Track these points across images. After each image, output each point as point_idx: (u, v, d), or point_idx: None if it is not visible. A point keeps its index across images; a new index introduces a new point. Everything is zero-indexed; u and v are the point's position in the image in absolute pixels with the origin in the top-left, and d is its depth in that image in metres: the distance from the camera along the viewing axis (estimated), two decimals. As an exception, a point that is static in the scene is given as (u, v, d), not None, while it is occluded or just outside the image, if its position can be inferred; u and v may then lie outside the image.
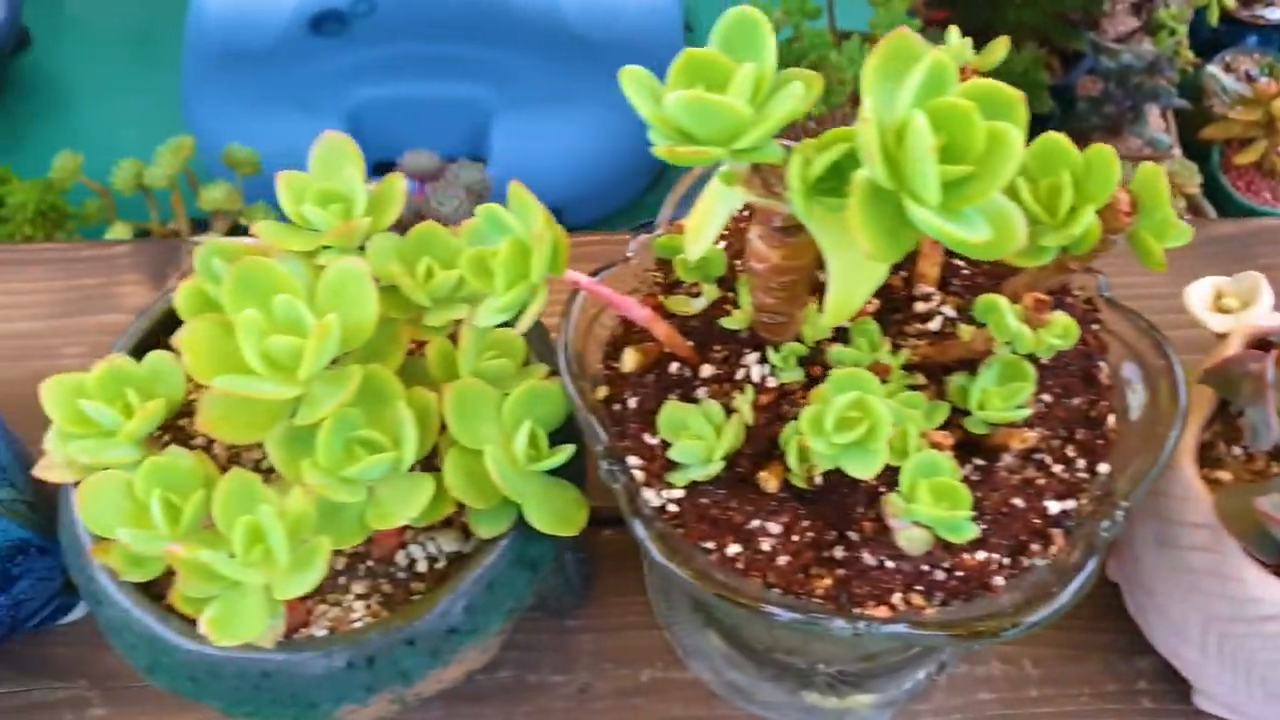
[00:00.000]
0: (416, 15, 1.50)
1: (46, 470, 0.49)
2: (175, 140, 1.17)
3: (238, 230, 1.23)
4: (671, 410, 0.45)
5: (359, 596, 0.48)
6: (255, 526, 0.42)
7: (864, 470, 0.39)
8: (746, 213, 0.51)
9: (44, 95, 1.72)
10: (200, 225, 1.27)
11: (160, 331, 0.54)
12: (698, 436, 0.44)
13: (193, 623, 0.46)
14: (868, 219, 0.35)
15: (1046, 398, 0.47)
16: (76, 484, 0.49)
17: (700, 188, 0.52)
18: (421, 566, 0.49)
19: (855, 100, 1.28)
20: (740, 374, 0.46)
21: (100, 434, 0.48)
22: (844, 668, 0.56)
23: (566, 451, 0.46)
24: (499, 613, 0.48)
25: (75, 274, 0.74)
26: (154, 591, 0.47)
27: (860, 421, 0.38)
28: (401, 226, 1.12)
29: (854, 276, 0.39)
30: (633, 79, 0.37)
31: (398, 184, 0.50)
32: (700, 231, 0.42)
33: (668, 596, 0.62)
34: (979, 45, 0.53)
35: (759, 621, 0.51)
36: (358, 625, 0.47)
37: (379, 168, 1.47)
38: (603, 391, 0.47)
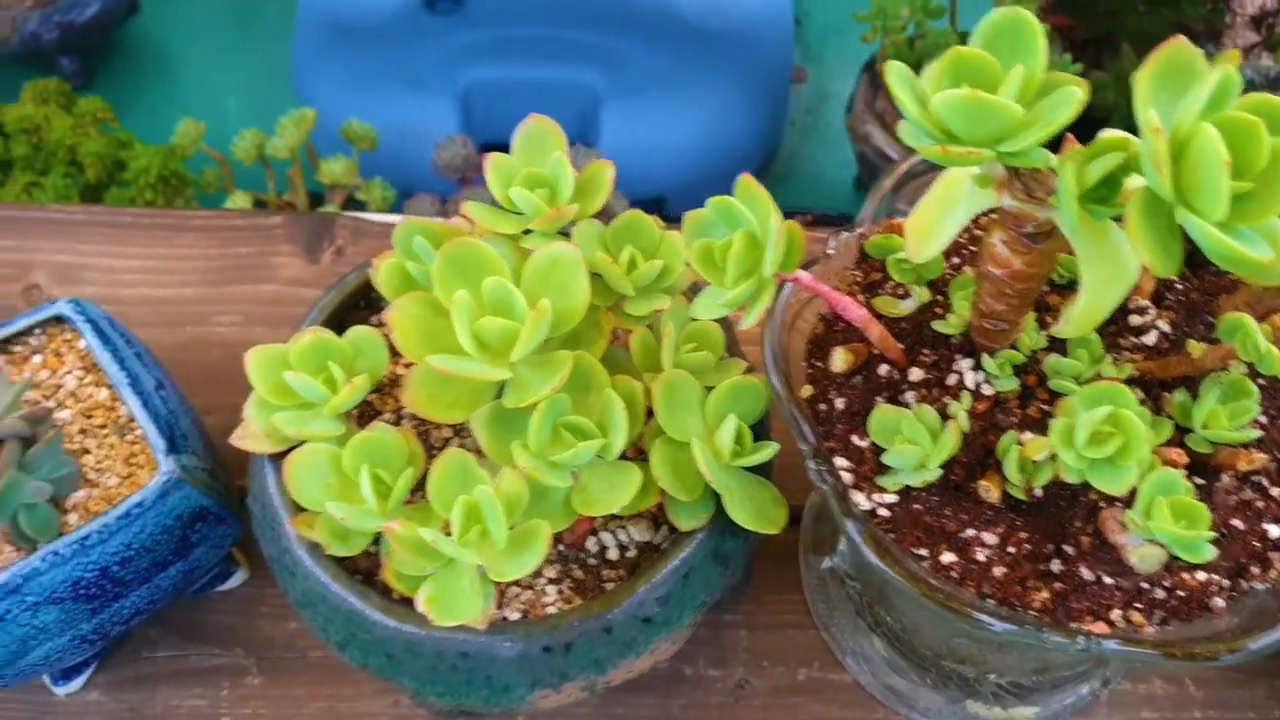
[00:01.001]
0: (529, -2, 1.50)
1: (243, 439, 0.49)
2: (297, 112, 1.18)
3: (352, 204, 1.23)
4: (884, 414, 0.44)
5: (551, 581, 0.48)
6: (474, 506, 0.42)
7: (1114, 486, 0.38)
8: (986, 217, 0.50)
9: (150, 62, 1.73)
10: (314, 198, 1.28)
11: (351, 305, 0.54)
12: (913, 442, 0.43)
13: (394, 601, 0.46)
14: (1145, 230, 0.34)
15: (1263, 419, 0.46)
16: (271, 455, 0.49)
17: (902, 189, 0.52)
18: (613, 554, 0.49)
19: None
20: (952, 380, 0.46)
21: (302, 406, 0.48)
22: (1015, 679, 0.55)
23: (771, 449, 0.46)
24: (692, 606, 0.48)
25: (229, 242, 0.75)
26: (349, 567, 0.47)
27: (1113, 437, 0.38)
28: None
29: (1106, 288, 0.38)
30: (899, 76, 0.36)
31: (605, 171, 0.50)
32: (931, 233, 0.41)
33: (826, 597, 0.61)
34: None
35: (950, 629, 0.50)
36: (550, 610, 0.47)
37: (485, 148, 1.47)
38: (807, 390, 0.47)
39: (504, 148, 0.52)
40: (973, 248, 0.50)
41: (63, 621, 0.52)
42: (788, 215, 0.41)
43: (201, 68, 1.73)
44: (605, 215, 0.52)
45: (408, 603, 0.46)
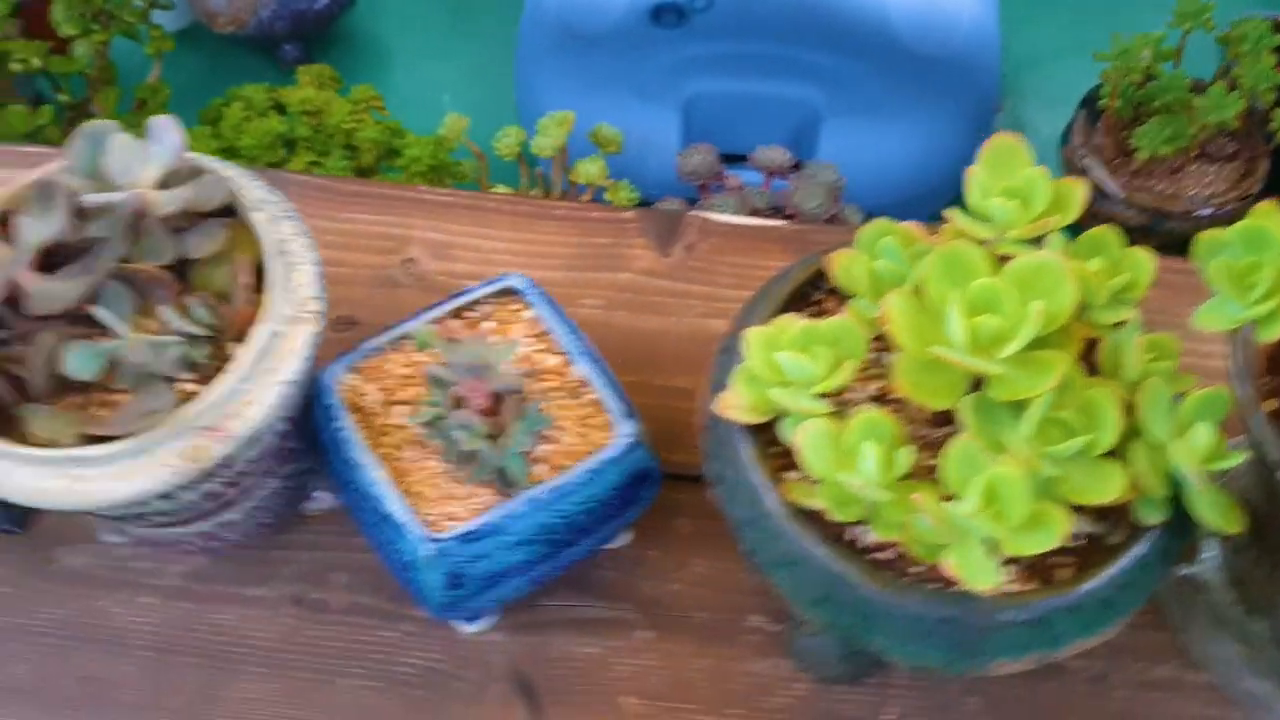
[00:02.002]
0: (752, 15, 1.55)
1: (726, 409, 0.54)
2: (559, 114, 1.24)
3: (599, 202, 1.29)
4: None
5: (1008, 560, 0.52)
6: (992, 485, 0.47)
7: None
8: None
9: (366, 53, 1.81)
10: (546, 194, 1.33)
11: (797, 295, 0.59)
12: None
13: (876, 566, 0.50)
14: None
15: None
16: (745, 426, 0.54)
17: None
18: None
19: (1203, 145, 1.29)
20: None
21: (791, 383, 0.52)
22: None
23: (1238, 456, 0.50)
24: (1140, 595, 0.52)
25: (588, 232, 0.80)
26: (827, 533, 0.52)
27: None
28: (760, 216, 1.16)
29: None
30: None
31: (1078, 190, 0.54)
32: None
33: (1182, 602, 0.65)
34: None
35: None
36: (1010, 588, 0.51)
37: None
38: (1271, 404, 0.51)
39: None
40: None
41: (528, 562, 0.57)
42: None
43: (415, 62, 1.80)
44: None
45: (887, 567, 0.50)
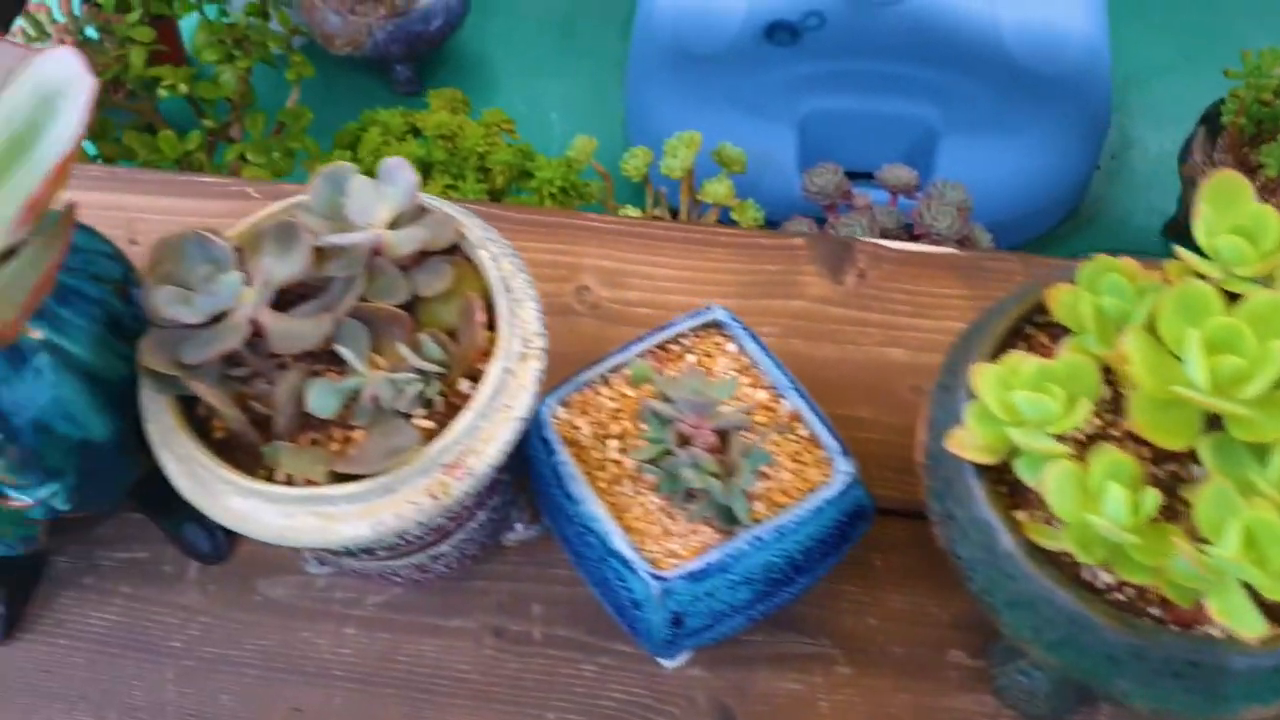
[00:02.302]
0: (864, 33, 1.55)
1: (958, 447, 0.54)
2: (686, 134, 1.24)
3: (726, 221, 1.30)
4: None
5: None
6: (1251, 530, 0.46)
7: None
8: None
9: (473, 73, 1.83)
10: (676, 214, 1.34)
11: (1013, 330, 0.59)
12: None
13: (1119, 608, 0.50)
14: None
15: None
16: (977, 465, 0.54)
17: None
18: None
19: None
20: None
21: (1026, 423, 0.52)
22: None
23: None
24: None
25: (758, 259, 0.80)
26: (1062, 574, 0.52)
27: None
28: (890, 235, 1.15)
29: None
30: None
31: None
32: None
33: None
34: None
35: None
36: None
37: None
38: None
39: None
40: None
41: (748, 601, 0.57)
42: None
43: (522, 81, 1.81)
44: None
45: (1126, 609, 0.50)
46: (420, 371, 0.55)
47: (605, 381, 0.62)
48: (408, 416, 0.55)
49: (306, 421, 0.55)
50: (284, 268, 0.54)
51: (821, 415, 0.60)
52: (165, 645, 0.67)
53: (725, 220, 1.29)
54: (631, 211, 1.24)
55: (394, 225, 0.57)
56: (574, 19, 1.88)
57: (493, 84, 1.81)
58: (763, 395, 0.61)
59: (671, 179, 1.22)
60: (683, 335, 0.63)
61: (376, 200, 0.56)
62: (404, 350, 0.55)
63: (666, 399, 0.57)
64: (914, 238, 1.27)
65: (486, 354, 0.56)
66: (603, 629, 0.67)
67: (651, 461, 0.56)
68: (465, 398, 0.56)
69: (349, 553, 0.60)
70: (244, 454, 0.54)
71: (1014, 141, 1.51)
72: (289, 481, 0.53)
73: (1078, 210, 1.64)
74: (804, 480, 0.59)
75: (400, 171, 0.56)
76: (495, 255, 0.58)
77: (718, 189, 1.24)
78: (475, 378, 0.56)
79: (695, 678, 0.65)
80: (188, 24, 1.59)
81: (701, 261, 0.81)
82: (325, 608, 0.68)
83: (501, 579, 0.68)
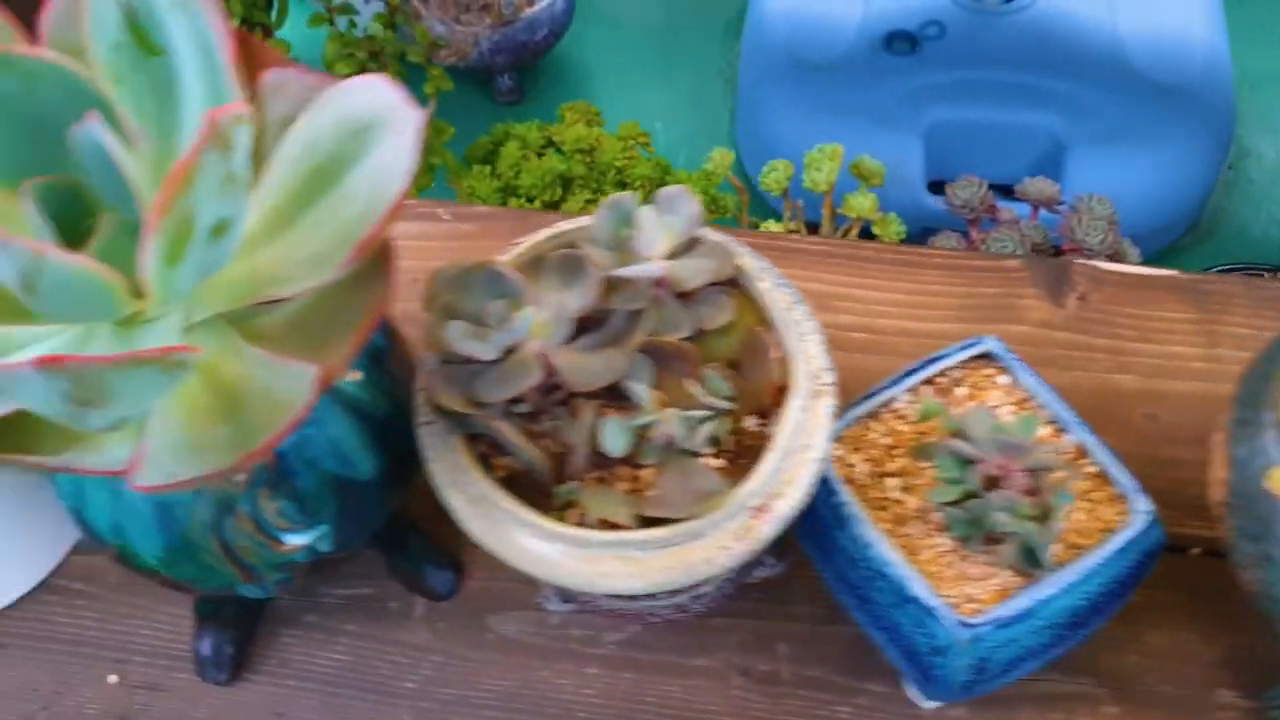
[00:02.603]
0: (985, 42, 1.52)
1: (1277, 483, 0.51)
2: (828, 147, 1.22)
3: (866, 234, 1.27)
4: None
5: None
6: None
7: None
8: None
9: (574, 83, 1.81)
10: (812, 228, 1.31)
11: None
12: None
13: None
14: None
15: None
16: (1302, 505, 0.51)
17: None
18: None
19: None
20: None
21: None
22: None
23: None
24: None
25: (974, 282, 0.78)
26: None
27: None
28: (1041, 251, 1.12)
29: None
30: None
31: None
32: None
33: None
34: None
35: None
36: None
37: (934, 186, 1.50)
38: None
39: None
40: None
41: (1046, 646, 0.55)
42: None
43: (625, 91, 1.79)
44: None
45: None
46: (713, 408, 0.52)
47: (875, 416, 0.60)
48: (696, 455, 0.52)
49: (596, 461, 0.52)
50: (574, 301, 0.52)
51: (1110, 450, 0.57)
52: (398, 686, 0.65)
53: (866, 234, 1.26)
54: (773, 226, 1.22)
55: (671, 256, 0.54)
56: (674, 28, 1.86)
57: (593, 94, 1.80)
58: (1044, 431, 0.59)
59: (817, 192, 1.20)
60: (951, 367, 0.61)
61: (659, 230, 0.53)
62: (694, 387, 0.52)
63: (963, 436, 0.54)
64: (1059, 252, 1.24)
65: (777, 390, 0.53)
66: (850, 668, 0.64)
67: (954, 504, 0.54)
68: (755, 436, 0.53)
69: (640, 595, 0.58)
70: (529, 494, 0.52)
71: (1142, 153, 1.48)
72: (581, 523, 0.51)
73: (1199, 222, 1.61)
74: (1097, 519, 0.56)
75: (682, 200, 0.54)
76: (772, 286, 0.56)
77: (861, 203, 1.21)
78: (762, 415, 0.54)
79: (959, 718, 0.62)
80: (291, 34, 1.57)
81: (913, 284, 0.78)
82: (563, 646, 0.66)
83: (742, 616, 0.66)
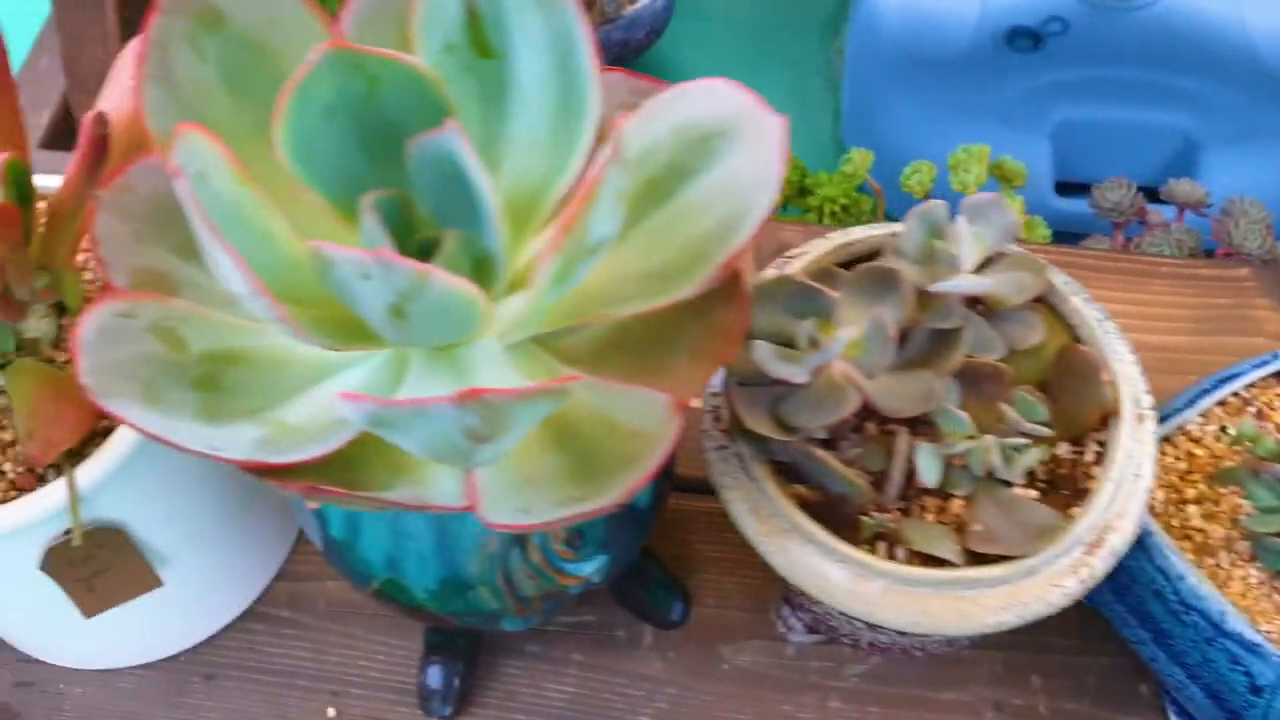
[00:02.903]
0: (1110, 39, 1.48)
1: None
2: (974, 147, 1.18)
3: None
4: None
5: None
6: None
7: None
8: None
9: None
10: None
11: None
12: None
13: None
14: None
15: None
16: None
17: None
18: None
19: None
20: None
21: None
22: None
23: None
24: None
25: (1204, 292, 0.74)
26: None
27: None
28: (1195, 256, 1.07)
29: None
30: None
31: None
32: None
33: None
34: None
35: None
36: None
37: (1062, 187, 1.46)
38: None
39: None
40: None
41: None
42: None
43: (725, 89, 1.75)
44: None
45: None
46: (1029, 435, 0.49)
47: (1169, 440, 0.56)
48: (1010, 485, 0.49)
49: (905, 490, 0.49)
50: (889, 319, 0.48)
51: None
52: None
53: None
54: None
55: (979, 269, 0.51)
56: (770, 26, 1.82)
57: (692, 92, 1.75)
58: (1350, 455, 0.55)
59: (966, 195, 1.15)
60: (1242, 387, 0.57)
61: (971, 243, 0.50)
62: (1009, 411, 0.49)
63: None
64: (1210, 255, 1.20)
65: (1098, 415, 0.50)
66: (1110, 701, 0.61)
67: (1276, 534, 0.50)
68: (1067, 464, 0.50)
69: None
70: (829, 525, 0.49)
71: (1274, 150, 1.44)
72: (891, 557, 0.48)
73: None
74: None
75: (995, 210, 0.50)
76: (1082, 303, 0.52)
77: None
78: (1074, 442, 0.50)
79: (1236, 763, 0.59)
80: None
81: (1142, 294, 0.74)
82: (802, 678, 0.62)
83: (989, 647, 0.63)
